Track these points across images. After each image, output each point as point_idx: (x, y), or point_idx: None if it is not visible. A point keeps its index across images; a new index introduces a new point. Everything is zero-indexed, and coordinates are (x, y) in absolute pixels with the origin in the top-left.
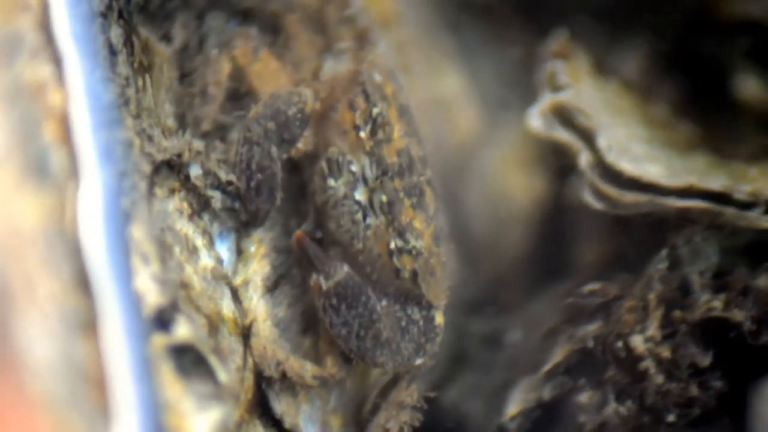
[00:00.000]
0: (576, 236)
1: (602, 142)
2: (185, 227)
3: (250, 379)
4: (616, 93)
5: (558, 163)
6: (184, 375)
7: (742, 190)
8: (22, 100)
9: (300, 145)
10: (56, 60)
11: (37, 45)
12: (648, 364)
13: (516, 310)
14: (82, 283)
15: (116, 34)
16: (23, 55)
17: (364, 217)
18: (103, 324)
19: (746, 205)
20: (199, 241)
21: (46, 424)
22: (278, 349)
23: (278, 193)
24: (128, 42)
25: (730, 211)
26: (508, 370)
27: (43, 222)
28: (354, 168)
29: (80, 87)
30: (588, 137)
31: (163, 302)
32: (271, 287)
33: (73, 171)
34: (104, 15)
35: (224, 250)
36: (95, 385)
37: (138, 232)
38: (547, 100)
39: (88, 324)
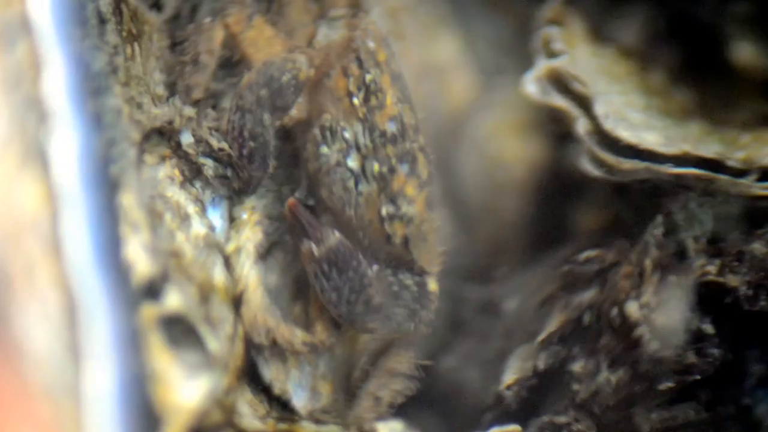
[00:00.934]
0: (572, 203)
1: (599, 109)
2: (177, 194)
3: (239, 346)
4: (612, 60)
5: (554, 130)
6: (173, 345)
7: (736, 157)
8: (23, 85)
9: (293, 112)
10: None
11: (30, 22)
12: (643, 330)
13: (512, 277)
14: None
15: (105, 2)
16: (23, 40)
17: (357, 184)
18: (91, 296)
19: (739, 172)
20: (191, 209)
21: (45, 410)
22: (269, 316)
23: (271, 161)
24: (117, 10)
25: (723, 178)
26: (505, 338)
27: (43, 207)
28: (347, 135)
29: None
30: (584, 104)
31: (153, 272)
32: (263, 254)
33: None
34: None
35: (216, 217)
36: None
37: (127, 200)
38: (542, 66)
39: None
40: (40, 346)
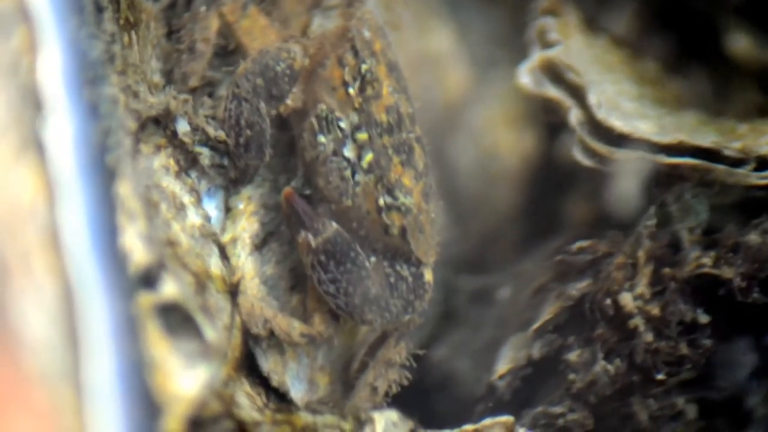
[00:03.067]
0: (566, 193)
1: (592, 98)
2: (172, 184)
3: (237, 336)
4: (606, 49)
5: (548, 120)
6: (170, 333)
7: (732, 147)
8: (20, 73)
9: (289, 101)
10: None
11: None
12: (637, 321)
13: (505, 267)
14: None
15: None
16: (19, 28)
17: (353, 174)
18: (88, 285)
19: (736, 162)
20: (187, 199)
21: (42, 397)
22: (266, 306)
23: (267, 150)
24: None
25: (719, 168)
26: (498, 328)
27: (40, 196)
28: (343, 124)
29: (65, 45)
30: (578, 94)
31: (149, 260)
32: (260, 244)
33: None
34: None
35: (212, 207)
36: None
37: (124, 189)
38: (536, 56)
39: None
40: (37, 333)
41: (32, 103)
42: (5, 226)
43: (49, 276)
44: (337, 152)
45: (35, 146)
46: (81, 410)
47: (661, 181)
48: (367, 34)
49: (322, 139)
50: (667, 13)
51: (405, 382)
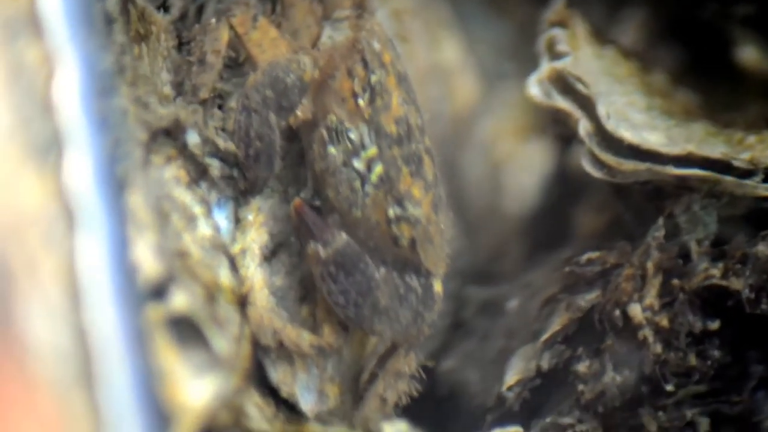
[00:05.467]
0: (575, 204)
1: (601, 109)
2: (183, 195)
3: (246, 347)
4: (614, 61)
5: (557, 132)
6: (180, 344)
7: (741, 158)
8: (25, 78)
9: (298, 112)
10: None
11: (38, 21)
12: (646, 332)
13: (514, 278)
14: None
15: (113, 2)
16: (26, 33)
17: (363, 185)
18: (97, 294)
19: (745, 173)
20: (197, 210)
21: (48, 404)
22: (275, 317)
23: (277, 161)
24: (125, 10)
25: (728, 179)
26: (507, 339)
27: (45, 201)
28: (352, 136)
29: (76, 57)
30: (587, 105)
31: (159, 272)
32: (269, 255)
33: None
34: None
35: (222, 218)
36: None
37: (134, 200)
38: (545, 67)
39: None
40: (44, 340)
41: (40, 109)
42: (11, 233)
43: (56, 284)
44: (346, 163)
45: (43, 153)
46: (90, 419)
47: (670, 193)
48: (376, 45)
49: (331, 150)
50: (675, 25)
51: (414, 393)
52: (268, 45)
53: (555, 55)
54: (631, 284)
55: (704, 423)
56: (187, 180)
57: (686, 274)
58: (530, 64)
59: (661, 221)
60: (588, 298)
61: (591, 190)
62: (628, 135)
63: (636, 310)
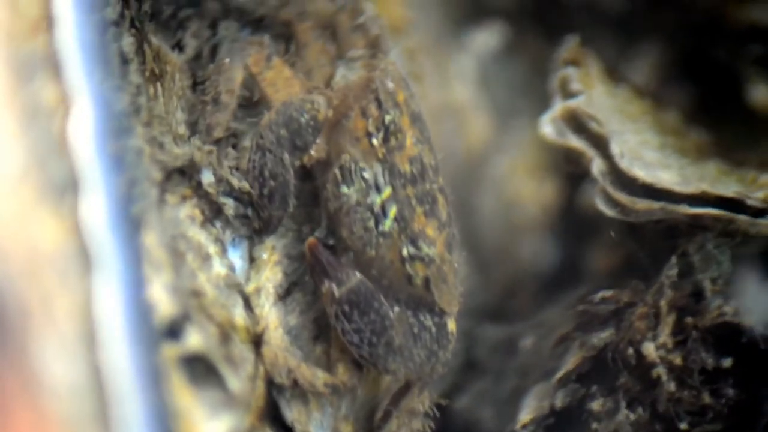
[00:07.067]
0: (588, 243)
1: (614, 148)
2: (198, 234)
3: (261, 386)
4: (627, 99)
5: (570, 170)
6: (195, 384)
7: (755, 197)
8: (41, 118)
9: (312, 152)
10: (69, 72)
11: (54, 61)
12: (660, 371)
13: (528, 316)
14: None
15: (128, 42)
16: (42, 73)
17: (377, 225)
18: (113, 334)
19: (758, 212)
20: (212, 249)
21: None
22: (290, 356)
23: (291, 200)
24: (140, 50)
25: (742, 218)
26: (520, 377)
27: (61, 240)
28: (366, 175)
29: (91, 97)
30: (600, 144)
31: (174, 312)
32: (283, 294)
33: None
34: (116, 24)
35: (237, 257)
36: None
37: (149, 240)
38: (559, 106)
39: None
40: (59, 378)
41: (55, 149)
42: (27, 271)
43: (71, 322)
44: (360, 203)
45: (58, 192)
46: None
47: (684, 231)
48: (390, 85)
49: (345, 189)
50: (688, 64)
51: (428, 431)
52: (282, 84)
53: (568, 94)
54: (644, 323)
55: None
56: (202, 219)
57: (699, 312)
58: (544, 101)
59: (674, 260)
60: (602, 337)
61: (604, 229)
62: (641, 174)
63: (650, 349)
